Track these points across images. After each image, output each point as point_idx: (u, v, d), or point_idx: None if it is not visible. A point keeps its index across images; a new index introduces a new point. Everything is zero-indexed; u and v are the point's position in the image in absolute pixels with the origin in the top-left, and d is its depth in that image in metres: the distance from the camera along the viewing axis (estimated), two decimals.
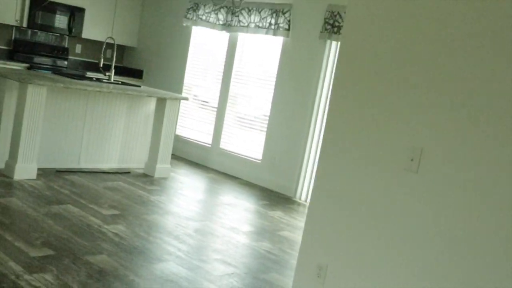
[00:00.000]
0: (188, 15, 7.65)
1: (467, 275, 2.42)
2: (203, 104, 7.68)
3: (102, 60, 6.28)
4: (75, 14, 7.75)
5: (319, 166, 3.05)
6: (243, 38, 7.15)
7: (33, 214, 4.23)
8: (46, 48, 7.84)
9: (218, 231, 4.62)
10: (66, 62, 8.04)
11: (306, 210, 5.83)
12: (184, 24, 7.74)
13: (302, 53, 6.39)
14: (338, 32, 5.93)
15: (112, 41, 6.59)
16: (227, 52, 7.26)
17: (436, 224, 2.54)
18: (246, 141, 7.05)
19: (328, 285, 2.95)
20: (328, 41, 6.11)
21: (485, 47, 2.40)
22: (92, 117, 5.95)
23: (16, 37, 7.59)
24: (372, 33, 2.82)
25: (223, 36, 7.39)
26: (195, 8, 7.57)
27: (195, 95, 7.82)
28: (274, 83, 6.69)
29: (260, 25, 6.73)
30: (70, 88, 5.44)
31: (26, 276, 3.12)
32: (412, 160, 2.66)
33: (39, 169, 5.35)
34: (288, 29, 6.47)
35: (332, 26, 5.98)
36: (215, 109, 7.38)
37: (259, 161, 6.78)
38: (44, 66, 7.58)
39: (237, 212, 5.34)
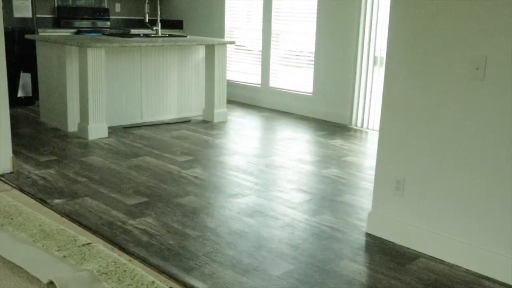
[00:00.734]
0: None
1: None
2: (246, 47, 7.81)
3: (147, 15, 6.46)
4: None
5: (386, 86, 3.20)
6: None
7: (117, 168, 4.57)
8: (88, 11, 8.05)
9: (286, 163, 4.87)
10: (108, 23, 8.24)
11: (365, 136, 6.02)
12: None
13: None
14: None
15: None
16: None
17: (504, 130, 2.69)
18: (295, 77, 7.19)
19: (408, 196, 3.17)
20: None
21: None
22: (147, 72, 6.20)
23: (59, 4, 7.81)
24: None
25: None
26: None
27: (237, 39, 7.94)
28: (315, 16, 6.74)
29: None
30: (125, 47, 5.67)
31: (131, 221, 3.46)
32: (477, 69, 2.80)
33: (108, 128, 5.68)
34: None
35: None
36: (260, 51, 7.50)
37: (311, 94, 6.94)
38: (89, 29, 7.82)
39: (299, 145, 5.57)
